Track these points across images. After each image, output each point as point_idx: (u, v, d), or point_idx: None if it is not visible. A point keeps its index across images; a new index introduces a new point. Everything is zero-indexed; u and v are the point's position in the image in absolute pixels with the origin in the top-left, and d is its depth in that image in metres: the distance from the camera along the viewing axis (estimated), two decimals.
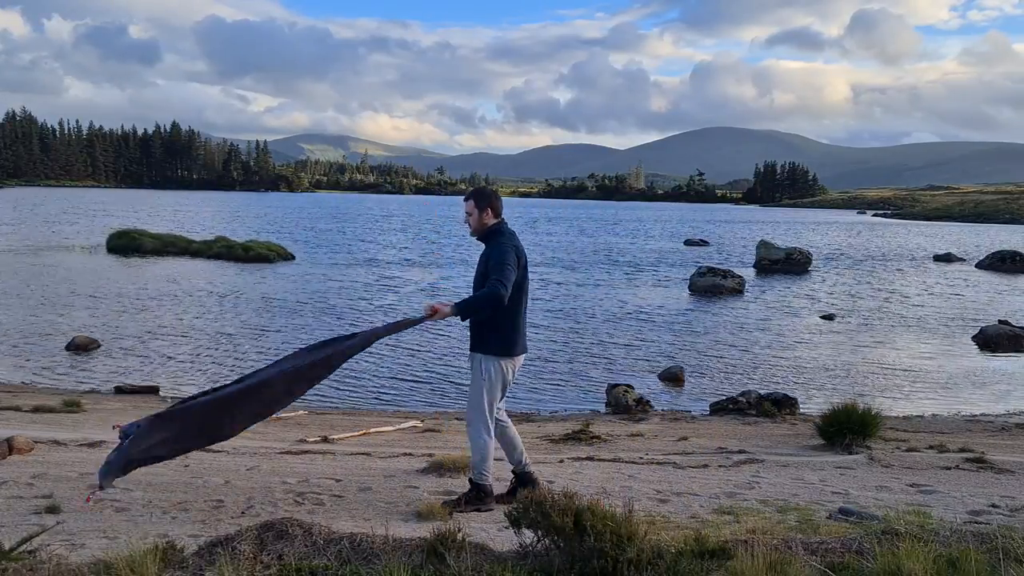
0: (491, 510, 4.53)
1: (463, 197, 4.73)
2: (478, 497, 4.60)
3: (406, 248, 36.20)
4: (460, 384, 11.15)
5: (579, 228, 59.35)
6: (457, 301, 4.38)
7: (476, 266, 4.72)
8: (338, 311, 17.48)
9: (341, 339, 4.50)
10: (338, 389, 10.89)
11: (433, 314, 4.30)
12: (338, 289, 21.20)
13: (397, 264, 28.94)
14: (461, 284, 23.03)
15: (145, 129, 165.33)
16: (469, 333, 4.66)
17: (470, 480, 4.68)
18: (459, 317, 4.37)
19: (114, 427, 4.18)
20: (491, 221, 4.57)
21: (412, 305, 18.79)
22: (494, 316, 4.45)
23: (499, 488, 4.77)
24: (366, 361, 12.63)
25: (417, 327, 4.70)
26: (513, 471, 4.87)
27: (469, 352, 4.66)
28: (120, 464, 3.95)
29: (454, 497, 4.73)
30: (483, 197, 4.61)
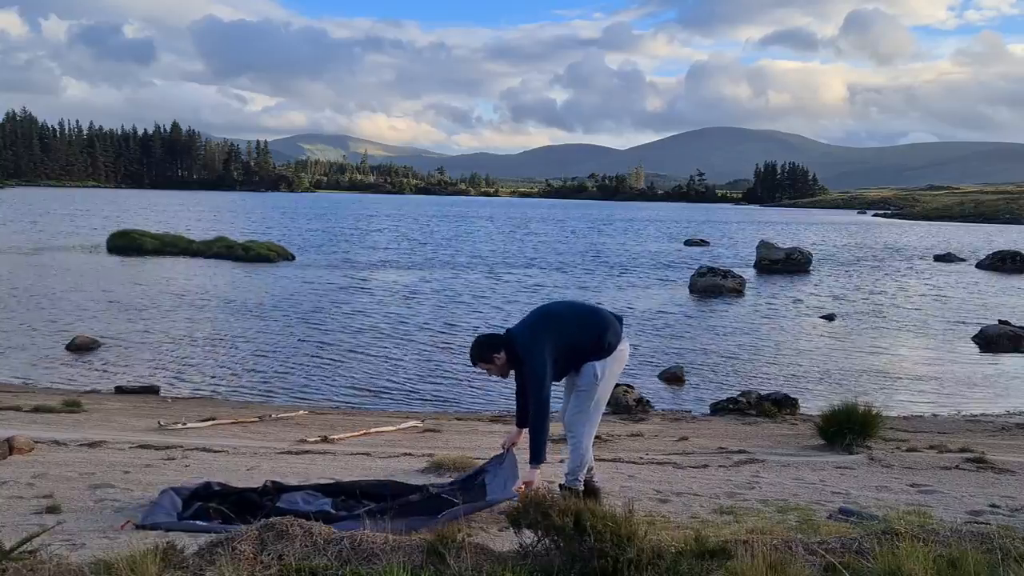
0: None
1: (470, 362, 4.59)
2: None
3: (404, 249, 36.20)
4: (460, 384, 11.16)
5: (578, 228, 59.34)
6: (529, 459, 4.31)
7: (535, 374, 4.46)
8: (337, 311, 17.47)
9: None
10: (338, 389, 10.90)
11: (528, 486, 4.18)
12: (338, 289, 21.20)
13: (396, 265, 28.93)
14: (459, 285, 23.04)
15: (145, 129, 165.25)
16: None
17: (560, 486, 4.54)
18: (542, 460, 4.30)
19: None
20: (506, 357, 4.43)
21: (412, 306, 18.79)
22: (572, 356, 4.39)
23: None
24: (366, 361, 12.64)
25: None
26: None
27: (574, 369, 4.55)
28: (167, 523, 4.13)
29: None
30: (485, 351, 4.47)
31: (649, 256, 35.42)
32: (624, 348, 4.53)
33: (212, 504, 4.41)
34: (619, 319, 4.55)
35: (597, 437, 7.49)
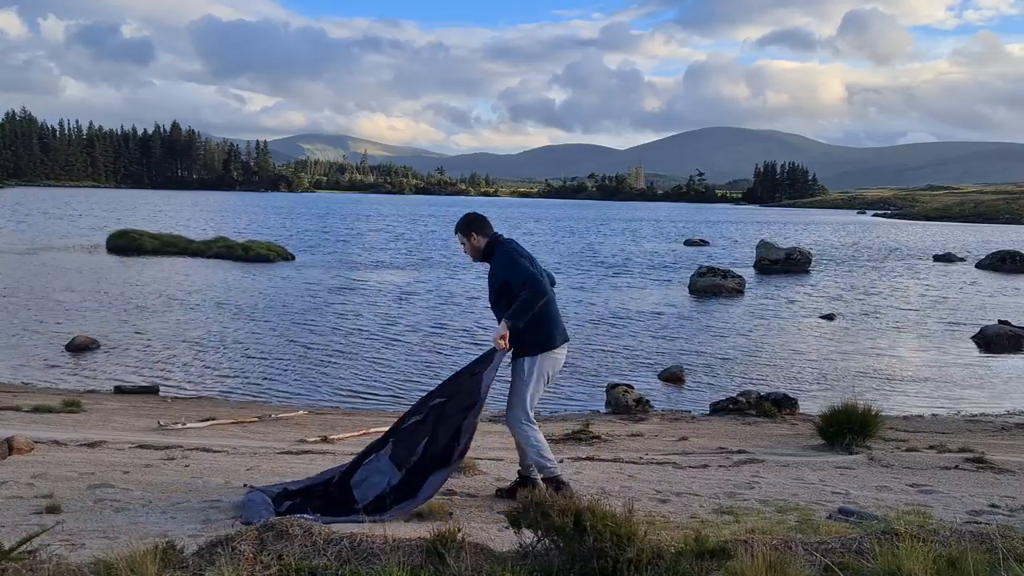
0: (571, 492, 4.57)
1: (454, 231, 4.90)
2: (557, 489, 4.59)
3: (402, 250, 36.19)
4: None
5: (577, 228, 59.35)
6: (506, 316, 4.49)
7: (488, 281, 4.81)
8: (337, 311, 17.47)
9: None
10: (338, 389, 10.90)
11: (502, 342, 4.48)
12: (337, 290, 21.20)
13: (393, 266, 28.93)
14: (454, 286, 23.05)
15: (145, 129, 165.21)
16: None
17: (543, 479, 4.71)
18: (514, 327, 4.47)
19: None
20: (483, 242, 4.74)
21: (410, 306, 18.81)
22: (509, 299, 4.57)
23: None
24: (366, 360, 12.63)
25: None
26: (520, 472, 4.92)
27: (511, 359, 4.75)
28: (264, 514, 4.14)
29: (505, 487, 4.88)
30: (467, 225, 4.80)
31: (648, 256, 35.42)
32: (562, 353, 4.77)
33: (299, 500, 4.52)
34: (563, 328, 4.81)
35: (597, 437, 7.50)
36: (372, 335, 14.82)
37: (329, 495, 4.56)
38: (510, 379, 4.80)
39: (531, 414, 4.72)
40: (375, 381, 11.38)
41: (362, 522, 3.98)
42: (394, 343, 14.14)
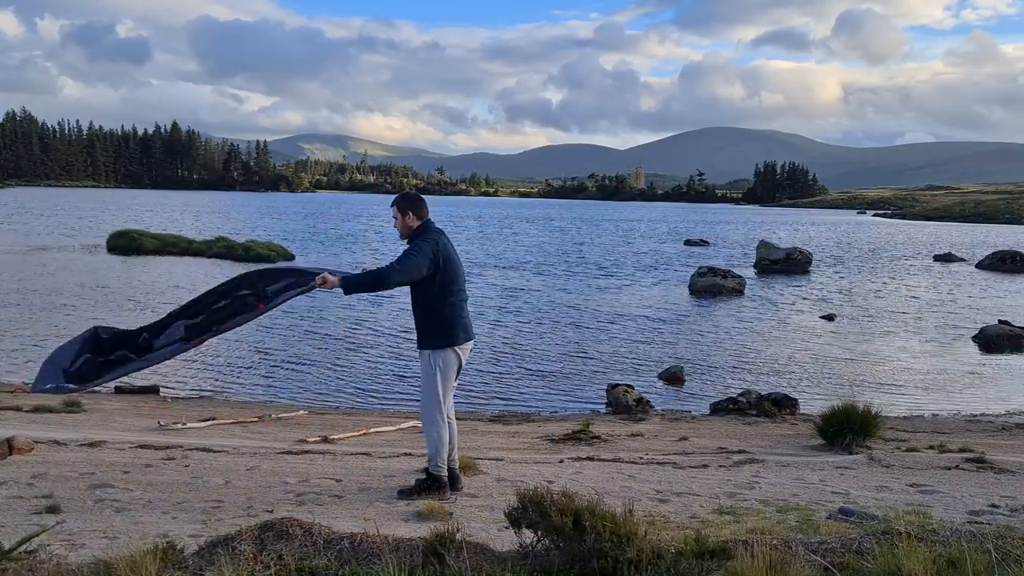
0: (448, 500, 4.72)
1: (390, 203, 4.97)
2: (434, 487, 4.80)
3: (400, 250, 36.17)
4: (461, 385, 11.14)
5: (576, 229, 59.34)
6: (345, 275, 4.59)
7: None
8: (337, 311, 17.47)
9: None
10: (338, 389, 10.90)
11: (323, 283, 4.54)
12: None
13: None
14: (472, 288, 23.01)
15: (145, 129, 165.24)
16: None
17: (426, 471, 4.90)
18: (343, 291, 4.58)
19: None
20: (416, 224, 4.81)
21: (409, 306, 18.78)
22: (427, 312, 4.71)
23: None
24: (366, 360, 12.64)
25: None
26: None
27: (417, 350, 4.88)
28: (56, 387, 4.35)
29: (409, 486, 4.92)
30: (406, 202, 4.88)
31: (649, 256, 35.42)
32: (466, 349, 4.83)
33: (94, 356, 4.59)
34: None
35: (597, 437, 7.50)
36: (372, 335, 14.82)
37: (126, 339, 4.66)
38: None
39: (443, 407, 4.77)
40: (375, 381, 11.38)
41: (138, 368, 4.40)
42: (394, 343, 14.14)
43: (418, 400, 10.45)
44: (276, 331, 14.89)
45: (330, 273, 4.55)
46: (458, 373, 4.85)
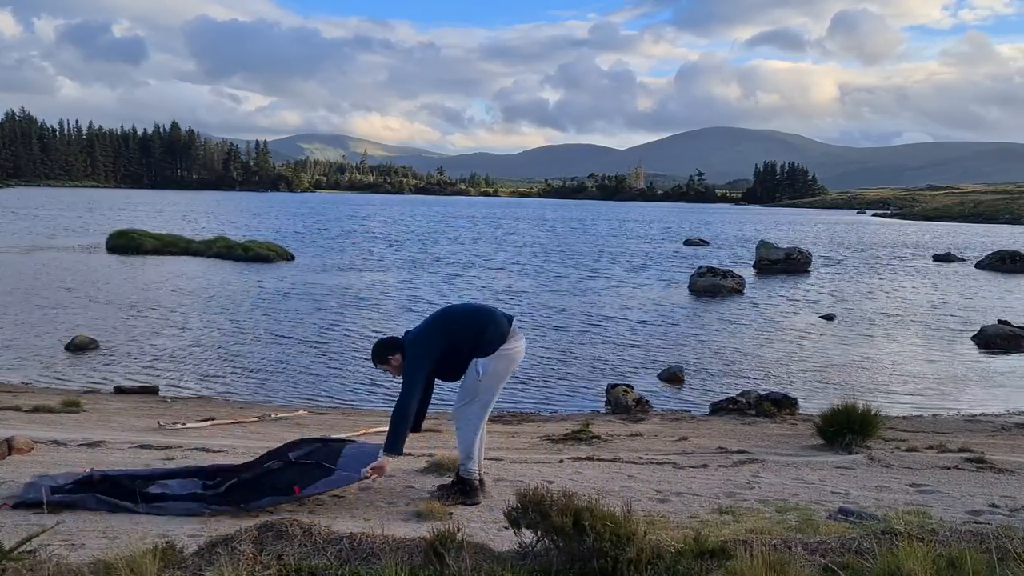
0: (478, 503, 4.69)
1: (371, 363, 4.90)
2: (465, 491, 4.77)
3: (400, 250, 36.20)
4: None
5: (577, 228, 59.34)
6: (381, 446, 4.59)
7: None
8: (337, 311, 17.47)
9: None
10: (338, 389, 10.90)
11: (378, 474, 4.58)
12: (336, 291, 21.19)
13: (392, 266, 28.93)
14: (463, 284, 23.04)
15: (145, 129, 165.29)
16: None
17: (458, 475, 4.85)
18: (392, 457, 4.58)
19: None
20: (398, 358, 4.69)
21: (409, 306, 18.80)
22: (457, 355, 4.64)
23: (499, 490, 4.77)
24: (365, 361, 12.62)
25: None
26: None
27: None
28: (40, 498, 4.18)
29: (441, 489, 4.91)
30: (380, 352, 4.76)
31: (648, 256, 35.42)
32: (514, 347, 4.70)
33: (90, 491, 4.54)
34: (509, 318, 4.75)
35: (597, 437, 7.50)
36: (372, 335, 14.81)
37: (116, 486, 4.58)
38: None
39: (478, 415, 4.74)
40: (375, 381, 11.38)
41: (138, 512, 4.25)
42: None
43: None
44: (276, 331, 14.89)
45: (368, 458, 4.59)
46: (507, 377, 4.80)
